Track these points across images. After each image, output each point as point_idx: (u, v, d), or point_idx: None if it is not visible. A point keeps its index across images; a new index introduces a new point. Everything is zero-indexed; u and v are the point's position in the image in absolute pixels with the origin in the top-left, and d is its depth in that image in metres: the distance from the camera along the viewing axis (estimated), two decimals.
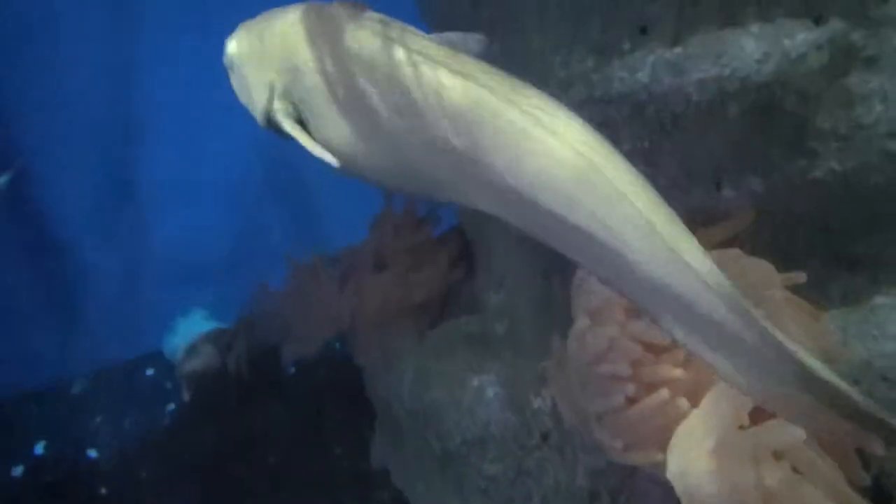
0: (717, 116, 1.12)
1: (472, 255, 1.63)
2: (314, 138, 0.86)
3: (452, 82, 0.74)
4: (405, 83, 0.76)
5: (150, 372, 2.55)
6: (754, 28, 1.14)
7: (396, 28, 0.80)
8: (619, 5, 1.20)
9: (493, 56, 0.85)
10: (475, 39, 0.87)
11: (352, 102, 0.82)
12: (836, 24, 1.14)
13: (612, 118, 1.16)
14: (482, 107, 0.73)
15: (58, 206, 2.54)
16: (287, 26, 0.86)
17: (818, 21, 1.14)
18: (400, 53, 0.76)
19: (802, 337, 1.00)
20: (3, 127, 2.35)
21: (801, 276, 1.05)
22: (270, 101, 0.88)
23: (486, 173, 0.75)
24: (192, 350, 2.23)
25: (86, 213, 2.56)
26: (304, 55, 0.83)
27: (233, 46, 0.91)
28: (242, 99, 0.93)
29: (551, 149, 0.71)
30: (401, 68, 0.76)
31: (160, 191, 2.56)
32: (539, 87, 0.75)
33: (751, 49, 1.10)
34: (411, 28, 0.81)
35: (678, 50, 1.14)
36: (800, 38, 1.12)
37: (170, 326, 2.42)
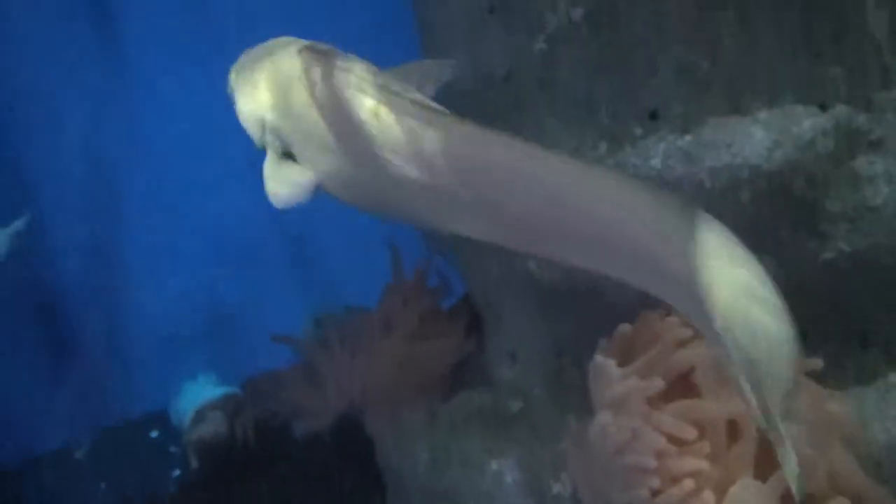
0: (729, 201, 1.14)
1: (481, 327, 1.63)
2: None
3: (434, 131, 0.76)
4: (390, 136, 0.78)
5: (154, 434, 2.52)
6: (762, 115, 1.16)
7: (378, 75, 0.82)
8: (627, 91, 1.23)
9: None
10: (449, 65, 0.94)
11: (340, 145, 0.84)
12: (841, 110, 1.17)
13: None
14: (466, 149, 0.76)
15: (58, 265, 2.54)
16: (281, 63, 0.88)
17: (823, 107, 1.17)
18: (382, 108, 0.79)
19: (822, 424, 1.01)
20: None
21: (817, 363, 1.05)
22: (262, 135, 0.91)
23: (478, 206, 0.78)
24: (199, 417, 2.21)
25: (87, 271, 2.56)
26: (295, 94, 0.85)
27: (233, 76, 0.94)
28: (244, 125, 0.95)
29: (541, 174, 0.74)
30: (387, 124, 0.78)
31: (164, 250, 2.56)
32: None
33: (760, 137, 1.13)
34: (389, 74, 0.83)
35: (689, 137, 1.17)
36: (807, 124, 1.15)
37: (176, 391, 2.40)
